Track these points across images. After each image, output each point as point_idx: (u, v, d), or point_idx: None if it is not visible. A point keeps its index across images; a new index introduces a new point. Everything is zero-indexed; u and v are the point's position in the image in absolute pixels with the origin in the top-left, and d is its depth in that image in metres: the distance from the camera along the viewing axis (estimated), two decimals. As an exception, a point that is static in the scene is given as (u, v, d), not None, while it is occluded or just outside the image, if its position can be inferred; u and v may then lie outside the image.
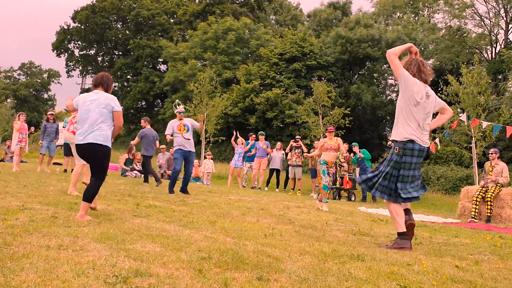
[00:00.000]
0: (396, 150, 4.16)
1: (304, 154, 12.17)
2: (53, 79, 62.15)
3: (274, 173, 13.79)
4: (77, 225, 3.92)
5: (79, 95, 4.78)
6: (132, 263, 2.77)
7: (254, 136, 13.79)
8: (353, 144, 12.61)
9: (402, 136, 4.14)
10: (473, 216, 8.96)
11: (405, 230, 4.16)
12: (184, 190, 8.36)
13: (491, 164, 9.38)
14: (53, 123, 11.96)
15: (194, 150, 8.54)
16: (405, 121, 4.14)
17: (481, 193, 9.19)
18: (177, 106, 8.75)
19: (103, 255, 2.90)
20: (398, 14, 38.84)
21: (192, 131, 8.63)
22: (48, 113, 12.30)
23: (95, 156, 4.51)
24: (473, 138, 12.86)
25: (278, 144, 14.12)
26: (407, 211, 4.31)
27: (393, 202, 4.23)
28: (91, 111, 4.51)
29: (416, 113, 4.12)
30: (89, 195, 4.45)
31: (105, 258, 2.81)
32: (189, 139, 8.36)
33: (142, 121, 10.91)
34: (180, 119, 8.53)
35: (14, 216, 4.10)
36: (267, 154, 13.64)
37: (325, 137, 8.56)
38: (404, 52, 4.32)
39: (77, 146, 4.54)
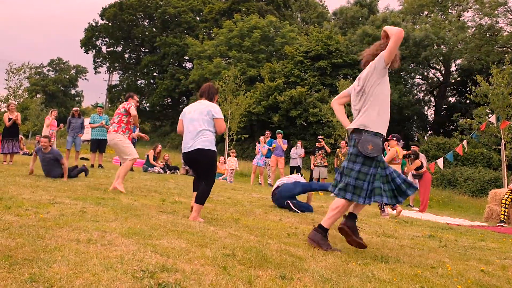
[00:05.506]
0: None
1: None
2: (81, 75, 63.46)
3: (295, 171, 13.87)
4: (105, 220, 4.02)
5: (184, 108, 5.11)
6: (159, 258, 2.83)
7: (269, 133, 14.05)
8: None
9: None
10: (502, 219, 8.74)
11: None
12: None
13: (520, 167, 9.16)
14: (78, 118, 12.30)
15: None
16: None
17: (510, 196, 8.97)
18: None
19: (130, 250, 2.97)
20: (425, 12, 38.08)
21: None
22: (73, 108, 12.65)
23: (203, 161, 4.77)
24: (503, 140, 12.56)
25: (299, 142, 14.35)
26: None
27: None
28: (195, 119, 4.81)
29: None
30: (201, 198, 4.72)
31: (132, 253, 2.88)
32: None
33: None
34: None
35: (45, 210, 4.23)
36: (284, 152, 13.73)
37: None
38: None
39: (185, 153, 4.81)
